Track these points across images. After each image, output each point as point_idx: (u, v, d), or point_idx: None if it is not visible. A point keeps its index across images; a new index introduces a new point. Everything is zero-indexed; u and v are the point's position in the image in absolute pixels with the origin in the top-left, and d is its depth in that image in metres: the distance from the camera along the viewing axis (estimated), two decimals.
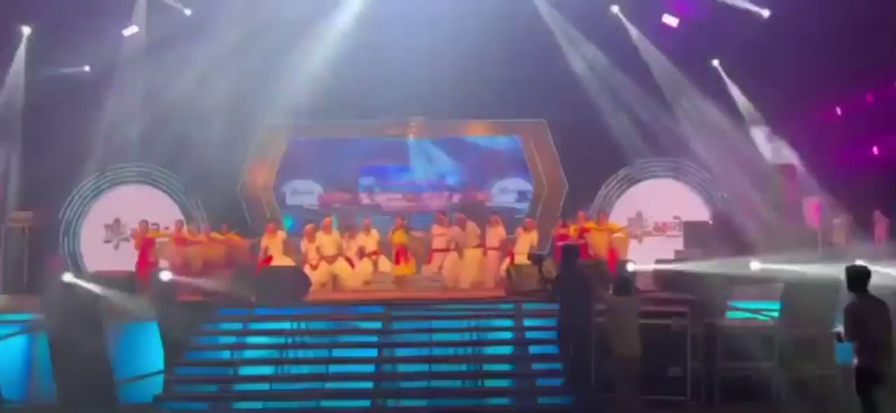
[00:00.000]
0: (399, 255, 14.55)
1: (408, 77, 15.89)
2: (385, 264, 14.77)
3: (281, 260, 14.27)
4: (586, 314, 9.41)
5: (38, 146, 15.02)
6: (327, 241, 14.61)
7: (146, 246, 14.28)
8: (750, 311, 11.45)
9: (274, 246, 14.46)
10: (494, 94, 16.28)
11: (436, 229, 15.20)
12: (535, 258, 12.46)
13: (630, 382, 9.02)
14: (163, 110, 15.66)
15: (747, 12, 14.76)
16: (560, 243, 13.48)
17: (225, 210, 16.06)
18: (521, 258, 13.78)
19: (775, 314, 11.28)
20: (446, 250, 14.88)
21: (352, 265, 14.62)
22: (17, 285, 13.24)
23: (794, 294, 10.40)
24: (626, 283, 9.66)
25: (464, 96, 16.40)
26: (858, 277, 7.33)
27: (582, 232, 14.52)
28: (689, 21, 15.64)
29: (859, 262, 7.59)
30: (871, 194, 14.44)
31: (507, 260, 14.16)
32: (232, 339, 11.28)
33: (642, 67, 15.73)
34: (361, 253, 14.74)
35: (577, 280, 9.80)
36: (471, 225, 14.82)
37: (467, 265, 14.58)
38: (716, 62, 15.90)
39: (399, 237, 14.68)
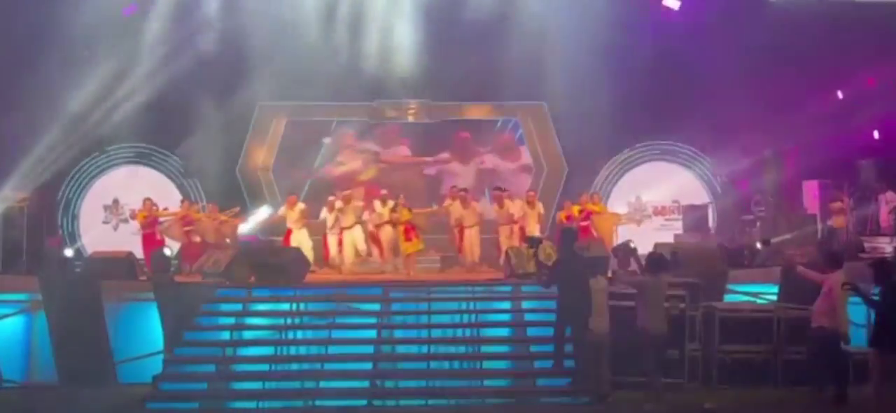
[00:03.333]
0: (408, 233, 14.48)
1: (407, 59, 15.89)
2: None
3: (299, 234, 14.38)
4: (586, 296, 9.40)
5: (35, 125, 14.97)
6: (348, 210, 14.65)
7: (151, 224, 14.29)
8: (748, 294, 11.47)
9: (292, 218, 14.55)
10: (494, 76, 16.23)
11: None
12: (532, 241, 12.43)
13: (657, 360, 9.11)
14: (161, 90, 15.66)
15: None
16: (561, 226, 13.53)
17: (223, 192, 16.07)
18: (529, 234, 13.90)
19: (773, 297, 11.34)
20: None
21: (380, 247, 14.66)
22: (16, 265, 13.23)
23: (792, 276, 10.39)
24: (659, 261, 9.59)
25: (463, 79, 16.39)
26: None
27: (586, 214, 14.53)
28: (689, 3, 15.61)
29: None
30: (873, 177, 14.45)
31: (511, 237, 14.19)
32: (231, 321, 11.29)
33: (643, 49, 15.64)
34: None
35: (575, 262, 9.81)
36: (474, 203, 14.80)
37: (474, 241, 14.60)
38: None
39: (404, 215, 14.60)
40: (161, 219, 14.58)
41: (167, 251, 13.70)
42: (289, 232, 14.56)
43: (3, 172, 14.52)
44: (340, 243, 14.67)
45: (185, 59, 15.71)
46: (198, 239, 14.44)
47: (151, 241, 14.17)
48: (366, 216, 14.88)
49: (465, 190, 15.22)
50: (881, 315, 8.38)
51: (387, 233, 14.61)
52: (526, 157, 17.68)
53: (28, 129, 14.85)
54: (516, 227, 14.49)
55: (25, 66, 14.57)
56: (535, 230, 14.30)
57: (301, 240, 14.29)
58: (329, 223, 14.75)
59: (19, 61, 14.60)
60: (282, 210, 14.88)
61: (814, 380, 9.50)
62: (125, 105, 15.57)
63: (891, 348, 8.20)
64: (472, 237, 14.59)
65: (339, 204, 14.75)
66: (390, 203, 14.68)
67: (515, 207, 14.68)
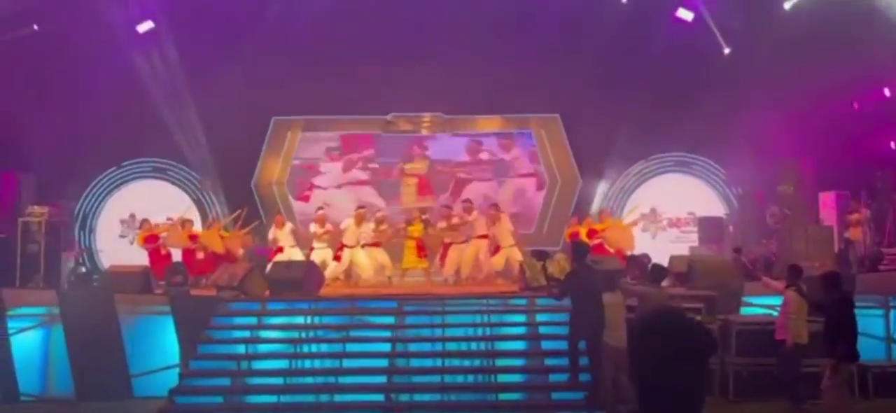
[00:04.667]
0: (419, 250, 14.42)
1: (421, 72, 15.95)
2: (382, 257, 14.44)
3: (290, 252, 14.30)
4: (599, 309, 9.36)
5: (55, 141, 15.12)
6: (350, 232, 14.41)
7: (152, 241, 14.32)
8: (764, 307, 11.38)
9: (283, 237, 14.52)
10: (507, 88, 16.27)
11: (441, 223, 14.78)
12: (539, 254, 12.37)
13: None
14: (178, 106, 15.81)
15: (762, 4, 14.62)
16: (571, 239, 13.44)
17: (239, 205, 16.15)
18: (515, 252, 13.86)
19: None
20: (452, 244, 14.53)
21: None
22: (34, 279, 13.35)
23: (809, 291, 10.29)
24: (659, 271, 9.74)
25: (477, 91, 16.44)
26: None
27: (591, 234, 14.38)
28: (703, 14, 15.56)
29: None
30: (890, 188, 14.33)
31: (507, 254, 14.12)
32: (246, 333, 11.32)
33: (657, 61, 15.63)
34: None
35: (587, 275, 9.75)
36: (476, 214, 14.51)
37: (469, 255, 14.32)
38: (727, 50, 15.73)
39: (417, 230, 14.55)
40: (161, 234, 14.46)
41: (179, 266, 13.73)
42: (280, 249, 14.36)
43: (23, 186, 14.72)
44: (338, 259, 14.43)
45: (200, 73, 15.88)
46: (201, 255, 14.28)
47: (157, 256, 14.16)
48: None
49: (495, 205, 15.00)
50: (831, 326, 8.45)
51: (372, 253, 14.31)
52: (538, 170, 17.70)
53: (47, 143, 15.01)
54: (484, 242, 14.28)
55: (44, 80, 14.75)
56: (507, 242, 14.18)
57: (294, 257, 14.09)
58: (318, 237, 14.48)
59: (38, 75, 14.79)
60: (271, 231, 14.72)
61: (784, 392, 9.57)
62: (141, 120, 15.74)
63: (843, 358, 8.30)
64: (473, 252, 14.33)
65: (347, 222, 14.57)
66: (371, 223, 14.45)
67: (480, 223, 14.39)
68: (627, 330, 8.77)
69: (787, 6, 14.81)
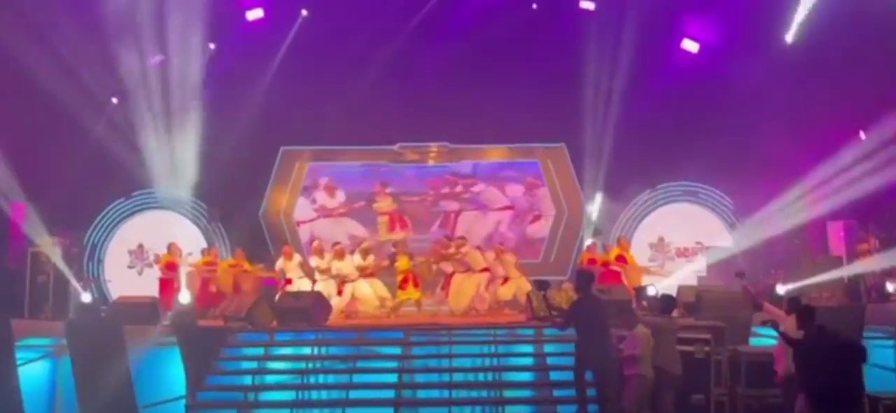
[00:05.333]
0: (406, 282, 14.38)
1: (427, 103, 16.06)
2: (379, 288, 14.33)
3: (299, 283, 14.31)
4: (605, 340, 9.31)
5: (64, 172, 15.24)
6: (343, 264, 14.35)
7: (172, 269, 14.35)
8: (774, 337, 11.29)
9: (291, 269, 14.53)
10: (513, 118, 16.35)
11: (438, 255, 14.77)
12: (539, 284, 12.29)
13: (669, 401, 9.04)
14: (186, 137, 15.93)
15: (765, 37, 14.68)
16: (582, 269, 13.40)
17: (247, 236, 16.20)
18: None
19: None
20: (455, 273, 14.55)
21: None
22: (43, 310, 13.38)
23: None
24: (669, 301, 9.70)
25: (482, 121, 16.52)
26: None
27: (621, 260, 14.39)
28: (707, 47, 15.65)
29: None
30: None
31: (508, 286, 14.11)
32: (253, 365, 11.31)
33: (664, 91, 15.71)
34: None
35: (592, 305, 9.67)
36: (467, 248, 14.53)
37: (466, 288, 14.34)
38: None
39: (404, 264, 14.49)
40: (184, 269, 14.49)
41: (185, 297, 13.76)
42: (288, 281, 14.40)
43: (33, 216, 14.79)
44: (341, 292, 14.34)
45: (210, 106, 16.03)
46: (214, 288, 14.34)
47: (168, 286, 14.17)
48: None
49: (501, 245, 15.19)
50: (803, 360, 8.28)
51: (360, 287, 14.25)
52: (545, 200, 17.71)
53: (57, 175, 15.13)
54: (484, 276, 14.33)
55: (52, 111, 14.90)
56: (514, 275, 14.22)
57: (302, 289, 14.10)
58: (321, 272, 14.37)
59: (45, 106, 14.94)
60: (279, 262, 14.75)
61: None
62: (150, 151, 15.86)
63: (814, 399, 8.03)
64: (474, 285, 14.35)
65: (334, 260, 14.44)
66: (355, 255, 14.41)
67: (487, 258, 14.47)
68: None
69: (788, 38, 14.87)
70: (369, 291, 14.20)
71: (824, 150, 14.71)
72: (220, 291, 14.29)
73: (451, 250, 14.52)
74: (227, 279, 14.42)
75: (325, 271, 14.28)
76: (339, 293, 14.21)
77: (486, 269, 14.39)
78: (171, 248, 14.67)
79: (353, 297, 14.24)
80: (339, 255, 14.32)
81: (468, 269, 14.37)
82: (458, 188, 17.67)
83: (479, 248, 15.08)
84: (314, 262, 14.56)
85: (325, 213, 17.58)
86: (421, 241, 16.64)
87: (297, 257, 14.88)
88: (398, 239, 16.31)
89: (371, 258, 14.49)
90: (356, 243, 15.46)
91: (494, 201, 17.68)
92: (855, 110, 14.51)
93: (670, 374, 9.11)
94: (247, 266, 14.75)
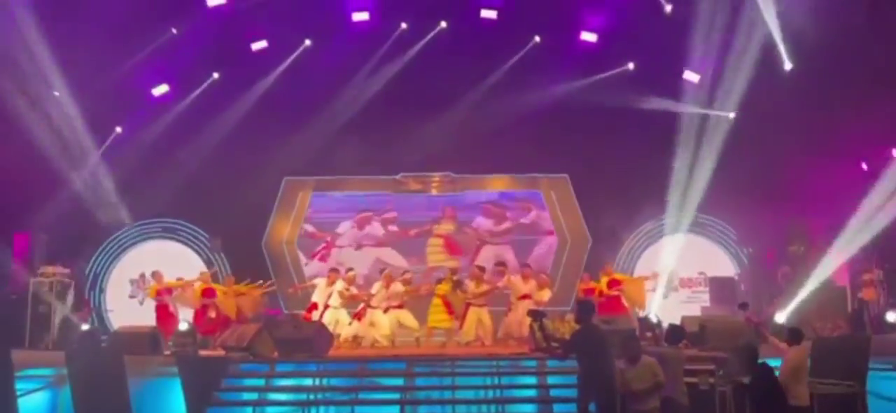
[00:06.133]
0: (447, 307, 14.17)
1: (430, 133, 16.12)
2: (407, 318, 14.35)
3: (333, 313, 14.05)
4: (608, 369, 9.22)
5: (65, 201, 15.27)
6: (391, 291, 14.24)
7: (165, 293, 14.20)
8: (778, 368, 11.22)
9: (321, 294, 14.26)
10: (516, 149, 16.40)
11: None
12: (535, 314, 12.19)
13: None
14: (187, 166, 16.00)
15: (766, 65, 14.71)
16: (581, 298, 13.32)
17: (249, 265, 16.18)
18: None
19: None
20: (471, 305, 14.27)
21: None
22: (44, 340, 13.34)
23: (823, 352, 10.18)
24: (678, 332, 9.66)
25: (486, 152, 16.58)
26: None
27: (612, 284, 14.22)
28: (707, 75, 15.72)
29: None
30: None
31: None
32: (254, 396, 11.23)
33: (666, 122, 15.76)
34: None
35: (593, 335, 9.59)
36: (508, 277, 14.33)
37: (486, 321, 14.12)
38: (732, 115, 15.81)
39: (445, 288, 14.27)
40: (173, 289, 14.34)
41: (184, 325, 13.68)
42: (314, 306, 14.25)
43: (35, 246, 14.83)
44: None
45: (212, 135, 16.12)
46: (213, 314, 14.14)
47: (165, 313, 14.02)
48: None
49: (527, 265, 14.95)
50: (754, 401, 8.35)
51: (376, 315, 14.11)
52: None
53: (59, 203, 15.17)
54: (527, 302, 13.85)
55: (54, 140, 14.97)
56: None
57: (340, 318, 14.03)
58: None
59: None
60: (321, 284, 14.48)
61: None
62: (153, 180, 15.91)
63: None
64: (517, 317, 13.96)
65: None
66: (398, 283, 14.31)
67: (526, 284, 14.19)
68: None
69: (786, 68, 14.91)
70: (385, 321, 14.07)
71: (828, 180, 14.72)
72: (220, 317, 14.14)
73: (485, 287, 14.20)
74: (229, 305, 14.30)
75: (352, 298, 14.21)
76: (359, 318, 14.12)
77: (526, 296, 14.00)
78: (156, 276, 14.46)
79: (369, 324, 14.08)
80: (387, 282, 14.26)
81: (486, 304, 14.19)
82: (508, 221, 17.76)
83: (522, 275, 14.60)
84: (375, 288, 14.33)
85: (376, 242, 17.63)
86: (418, 270, 16.54)
87: (339, 283, 14.35)
88: (453, 266, 15.94)
89: (411, 288, 14.49)
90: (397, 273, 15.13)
91: (496, 231, 17.65)
92: (857, 140, 14.55)
93: (677, 404, 9.01)
94: (242, 288, 14.58)
